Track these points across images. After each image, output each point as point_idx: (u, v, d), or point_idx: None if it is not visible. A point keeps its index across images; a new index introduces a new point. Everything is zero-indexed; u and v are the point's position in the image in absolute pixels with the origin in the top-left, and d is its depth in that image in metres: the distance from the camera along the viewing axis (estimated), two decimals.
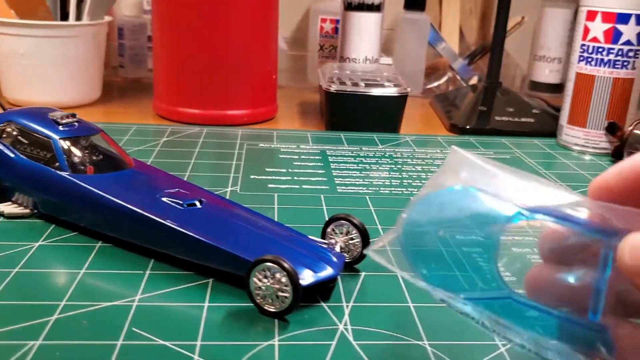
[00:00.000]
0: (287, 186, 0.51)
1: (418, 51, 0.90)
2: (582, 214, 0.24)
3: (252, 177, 0.53)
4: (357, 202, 0.49)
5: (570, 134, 0.67)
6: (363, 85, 0.69)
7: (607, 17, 0.62)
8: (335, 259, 0.35)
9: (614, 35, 0.62)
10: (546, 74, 0.98)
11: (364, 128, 0.69)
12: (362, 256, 0.37)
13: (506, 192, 0.25)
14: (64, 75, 0.70)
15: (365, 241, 0.37)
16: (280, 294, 0.32)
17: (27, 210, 0.42)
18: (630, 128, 0.62)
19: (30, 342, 0.29)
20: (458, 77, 0.92)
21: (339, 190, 0.51)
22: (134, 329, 0.31)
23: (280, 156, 0.59)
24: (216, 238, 0.35)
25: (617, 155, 0.63)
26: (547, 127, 0.73)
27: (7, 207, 0.42)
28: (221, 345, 0.30)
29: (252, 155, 0.59)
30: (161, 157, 0.56)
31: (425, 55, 0.90)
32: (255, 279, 0.32)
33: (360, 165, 0.58)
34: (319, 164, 0.58)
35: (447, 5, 0.98)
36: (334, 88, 0.67)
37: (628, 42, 0.62)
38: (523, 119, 0.74)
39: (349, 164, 0.58)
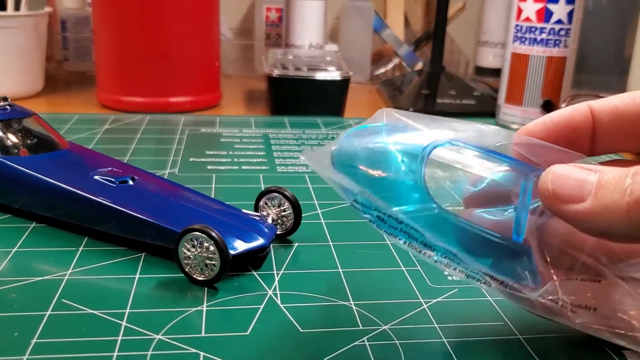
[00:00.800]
0: (226, 167, 0.52)
1: (363, 38, 0.91)
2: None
3: (191, 159, 0.54)
4: (296, 180, 0.49)
5: (508, 112, 0.69)
6: (306, 70, 0.69)
7: None
8: (266, 230, 0.36)
9: (545, 15, 0.64)
10: (490, 59, 1.00)
11: (308, 112, 0.70)
12: (294, 228, 0.38)
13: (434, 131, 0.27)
14: (3, 66, 0.69)
15: (298, 213, 0.38)
16: (209, 262, 0.32)
17: None
18: (564, 105, 0.64)
19: None
20: (404, 64, 0.93)
21: (278, 170, 0.52)
22: (63, 300, 0.31)
23: (222, 140, 0.60)
24: (147, 212, 0.35)
25: None
26: (488, 108, 0.75)
27: None
28: (149, 312, 0.30)
29: (193, 140, 0.59)
30: (101, 144, 0.56)
31: (371, 42, 0.91)
32: (184, 249, 0.33)
33: (302, 147, 0.59)
34: (260, 146, 0.58)
35: None
36: (276, 73, 0.68)
37: (559, 22, 0.64)
38: (465, 101, 0.76)
39: (291, 145, 0.59)
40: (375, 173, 0.26)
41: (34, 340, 0.28)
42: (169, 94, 0.69)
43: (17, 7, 0.71)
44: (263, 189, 0.47)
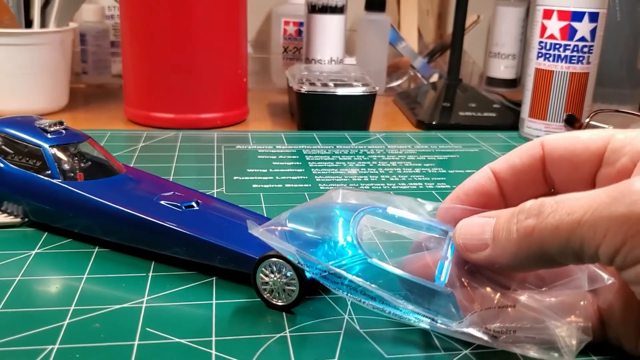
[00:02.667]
0: (270, 185, 0.53)
1: (380, 51, 0.92)
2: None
3: (235, 178, 0.54)
4: None
5: (532, 126, 0.70)
6: (332, 85, 0.70)
7: (562, 15, 0.66)
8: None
9: (569, 32, 0.66)
10: (501, 69, 1.02)
11: (335, 127, 0.71)
12: None
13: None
14: (31, 83, 0.70)
15: None
16: (287, 287, 0.33)
17: (18, 219, 0.42)
18: (588, 120, 0.65)
19: (48, 346, 0.30)
20: (419, 75, 0.94)
21: (321, 188, 0.52)
22: (147, 328, 0.31)
23: (259, 157, 0.60)
24: (218, 237, 0.36)
25: None
26: (508, 121, 0.76)
27: None
28: (235, 340, 0.31)
29: (231, 157, 0.60)
30: (142, 162, 0.57)
31: (387, 55, 0.92)
32: (261, 275, 0.33)
33: (337, 162, 0.59)
34: (297, 163, 0.59)
35: (405, 6, 1.01)
36: (305, 89, 0.69)
37: (583, 39, 0.66)
38: (485, 114, 0.77)
39: (326, 162, 0.60)
40: (319, 235, 0.32)
41: None
42: (199, 110, 0.69)
43: (42, 23, 0.71)
44: None
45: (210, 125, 0.70)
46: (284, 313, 0.33)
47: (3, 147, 0.43)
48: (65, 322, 0.32)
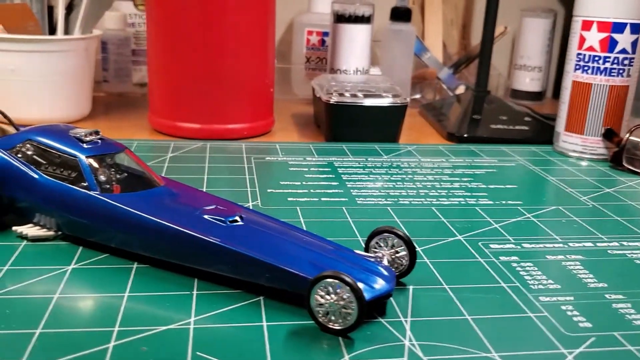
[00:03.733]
0: (306, 199, 0.51)
1: (405, 61, 0.90)
2: None
3: (269, 190, 0.52)
4: (381, 214, 0.48)
5: (569, 140, 0.68)
6: (361, 96, 0.69)
7: (602, 26, 0.64)
8: (386, 273, 0.35)
9: (610, 44, 0.64)
10: (527, 82, 1.00)
11: (364, 138, 0.69)
12: (408, 270, 0.37)
13: None
14: (55, 90, 0.68)
15: (413, 255, 0.37)
16: (344, 310, 0.31)
17: (51, 232, 0.41)
18: (628, 135, 0.64)
19: None
20: (444, 87, 0.93)
21: (358, 202, 0.51)
22: (198, 353, 0.30)
23: (290, 169, 0.59)
24: (266, 254, 0.34)
25: (615, 160, 0.64)
26: (541, 134, 0.74)
27: (30, 230, 0.41)
28: None
29: (262, 169, 0.58)
30: (173, 174, 0.55)
31: (412, 66, 0.91)
32: (317, 296, 0.32)
33: (371, 176, 0.58)
34: (331, 175, 0.57)
35: (430, 17, 1.00)
36: (334, 99, 0.67)
37: (623, 51, 0.64)
38: (517, 127, 0.75)
39: (360, 175, 0.58)
40: None
41: None
42: (226, 121, 0.68)
43: (66, 31, 0.70)
44: (351, 222, 0.46)
45: (237, 136, 0.68)
46: (340, 338, 0.31)
47: (36, 157, 0.41)
48: (111, 345, 0.30)
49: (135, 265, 0.38)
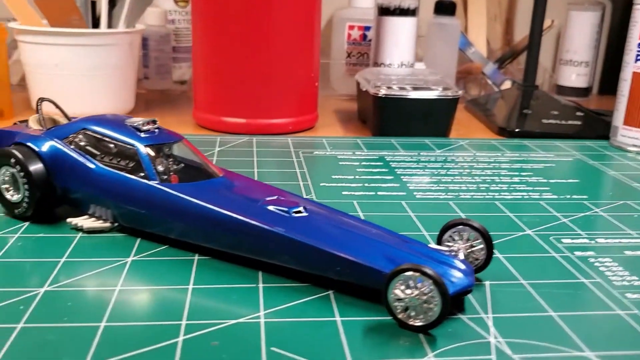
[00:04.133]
0: (362, 193, 0.49)
1: (449, 56, 0.88)
2: None
3: (321, 184, 0.51)
4: (443, 208, 0.46)
5: (628, 135, 0.65)
6: (410, 88, 0.66)
7: None
8: (464, 267, 0.33)
9: None
10: (573, 78, 0.97)
11: (414, 132, 0.67)
12: (485, 264, 0.35)
13: None
14: (99, 85, 0.67)
15: (490, 248, 0.35)
16: (426, 305, 0.29)
17: (107, 224, 0.39)
18: None
19: None
20: (489, 82, 0.90)
21: (417, 197, 0.49)
22: (273, 348, 0.28)
23: (340, 163, 0.57)
24: (338, 247, 0.32)
25: None
26: (595, 129, 0.71)
27: (86, 221, 0.39)
28: None
29: (311, 163, 0.56)
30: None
31: (456, 60, 0.89)
32: (396, 291, 0.30)
33: (426, 170, 0.55)
34: (384, 169, 0.55)
35: (473, 11, 0.97)
36: (382, 92, 0.65)
37: None
38: (569, 122, 0.73)
39: (414, 169, 0.56)
40: None
41: None
42: (272, 115, 0.66)
43: (109, 24, 0.69)
44: (414, 217, 0.44)
45: (282, 130, 0.67)
46: (420, 335, 0.29)
47: (91, 146, 0.40)
48: (180, 339, 0.28)
49: (196, 257, 0.36)
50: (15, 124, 0.46)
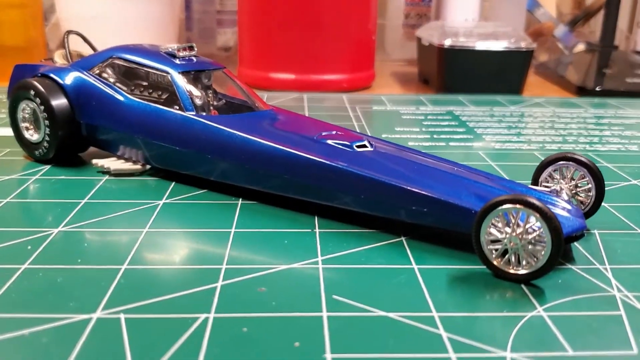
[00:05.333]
0: (431, 144, 0.42)
1: (516, 17, 0.80)
2: None
3: (384, 135, 0.44)
4: (528, 158, 0.39)
5: None
6: (480, 40, 0.59)
7: None
8: (570, 207, 0.26)
9: None
10: None
11: (484, 89, 0.60)
12: (594, 207, 0.28)
13: None
14: (139, 39, 0.62)
15: (600, 188, 0.28)
16: (531, 247, 0.23)
17: (138, 166, 0.34)
18: None
19: (201, 314, 0.20)
20: (559, 46, 0.82)
21: (496, 147, 0.42)
22: (335, 296, 0.22)
23: (404, 117, 0.50)
24: (413, 182, 0.26)
25: None
26: None
27: (114, 163, 0.34)
28: (467, 318, 0.21)
29: (370, 117, 0.50)
30: None
31: (524, 22, 0.81)
32: (493, 230, 0.23)
33: (502, 123, 0.49)
34: (453, 122, 0.48)
35: None
36: (448, 44, 0.58)
37: None
38: None
39: (489, 122, 0.49)
40: None
41: (327, 356, 0.19)
42: (324, 71, 0.60)
43: None
44: (495, 167, 0.37)
45: (335, 88, 0.61)
46: (522, 286, 0.23)
47: (121, 76, 0.35)
48: (218, 285, 0.22)
49: (240, 202, 0.30)
50: (40, 61, 0.41)
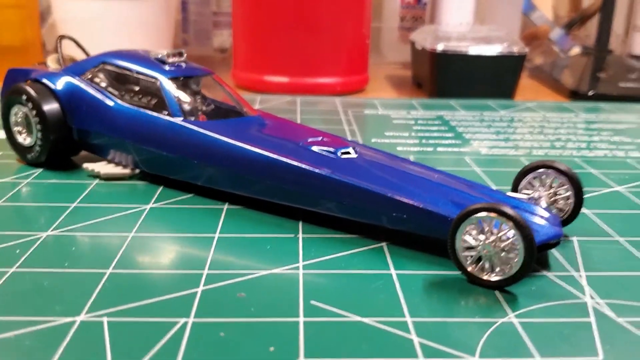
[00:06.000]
0: (419, 149, 0.43)
1: (512, 20, 0.81)
2: None
3: (373, 140, 0.45)
4: (514, 164, 0.40)
5: None
6: (472, 44, 0.60)
7: None
8: (548, 215, 0.27)
9: None
10: None
11: (476, 93, 0.60)
12: (573, 215, 0.29)
13: None
14: (134, 42, 0.62)
15: (579, 196, 0.28)
16: (505, 255, 0.23)
17: (127, 170, 0.34)
18: None
19: (180, 319, 0.21)
20: (555, 49, 0.83)
21: (482, 152, 0.42)
22: (313, 302, 0.22)
23: (395, 122, 0.51)
24: (394, 190, 0.27)
25: None
26: None
27: (104, 167, 0.34)
28: (440, 324, 0.21)
29: (362, 121, 0.51)
30: None
31: (519, 25, 0.81)
32: (466, 237, 0.24)
33: (491, 128, 0.49)
34: (443, 127, 0.49)
35: None
36: (440, 48, 0.59)
37: None
38: None
39: (478, 127, 0.49)
40: None
41: None
42: (317, 74, 0.61)
43: None
44: (481, 173, 0.38)
45: (329, 91, 0.61)
46: (496, 292, 0.23)
47: (111, 81, 0.35)
48: (199, 290, 0.23)
49: (225, 206, 0.31)
50: (34, 65, 0.41)
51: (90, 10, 0.61)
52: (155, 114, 0.33)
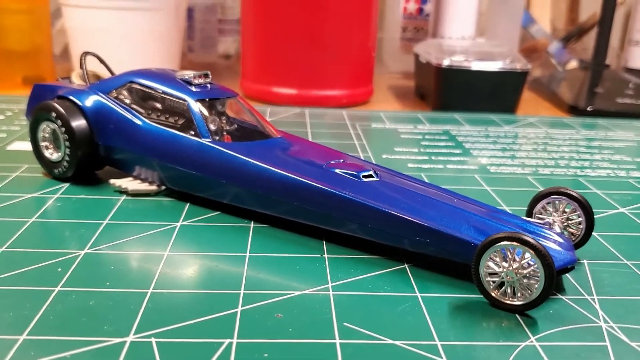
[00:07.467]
0: (430, 166, 0.44)
1: (511, 33, 0.83)
2: None
3: (384, 156, 0.46)
4: (522, 183, 0.41)
5: None
6: (477, 60, 0.62)
7: None
8: (562, 241, 0.28)
9: None
10: None
11: (478, 107, 0.62)
12: (584, 239, 0.30)
13: None
14: (144, 51, 0.64)
15: (590, 221, 0.30)
16: (526, 281, 0.25)
17: (154, 187, 0.36)
18: None
19: (224, 339, 0.22)
20: (553, 62, 0.85)
21: (491, 170, 0.44)
22: (346, 324, 0.24)
23: (402, 136, 0.52)
24: (417, 214, 0.28)
25: None
26: None
27: (130, 183, 0.36)
28: (467, 347, 0.23)
29: (370, 135, 0.52)
30: None
31: (518, 38, 0.83)
32: (489, 264, 0.25)
33: (497, 144, 0.51)
34: (450, 143, 0.51)
35: None
36: (445, 63, 0.60)
37: None
38: None
39: (484, 143, 0.51)
40: None
41: None
42: (325, 86, 0.62)
43: None
44: (491, 191, 0.39)
45: (336, 103, 0.63)
46: (517, 316, 0.25)
47: (138, 101, 0.36)
48: (238, 310, 0.24)
49: (252, 225, 0.32)
50: (57, 80, 0.42)
51: (101, 21, 0.62)
52: (183, 134, 0.34)
